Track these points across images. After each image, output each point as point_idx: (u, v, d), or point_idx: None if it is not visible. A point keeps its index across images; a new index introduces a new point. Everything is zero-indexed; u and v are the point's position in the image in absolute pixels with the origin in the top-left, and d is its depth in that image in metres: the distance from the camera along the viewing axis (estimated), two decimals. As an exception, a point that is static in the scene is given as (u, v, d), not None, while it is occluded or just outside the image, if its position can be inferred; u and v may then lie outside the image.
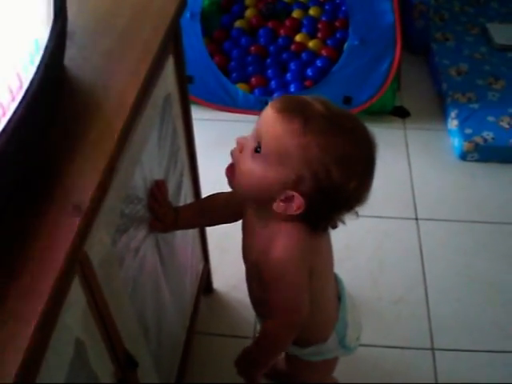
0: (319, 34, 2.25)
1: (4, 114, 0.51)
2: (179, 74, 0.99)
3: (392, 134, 2.06)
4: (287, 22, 2.31)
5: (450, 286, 1.55)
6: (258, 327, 1.26)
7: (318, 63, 2.13)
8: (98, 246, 0.66)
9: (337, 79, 2.02)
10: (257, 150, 0.74)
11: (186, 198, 1.13)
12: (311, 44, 2.21)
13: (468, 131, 1.94)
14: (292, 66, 2.15)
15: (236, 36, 2.26)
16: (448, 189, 1.85)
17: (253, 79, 2.13)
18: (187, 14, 1.95)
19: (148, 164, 0.85)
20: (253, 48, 2.21)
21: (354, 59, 2.00)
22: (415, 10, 2.28)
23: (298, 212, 0.73)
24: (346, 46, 2.03)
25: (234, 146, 0.79)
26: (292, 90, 2.08)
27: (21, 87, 0.54)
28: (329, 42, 2.22)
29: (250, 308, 1.00)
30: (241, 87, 2.09)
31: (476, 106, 2.04)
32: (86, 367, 0.66)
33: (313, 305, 0.83)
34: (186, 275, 1.21)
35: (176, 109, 1.01)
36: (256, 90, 2.10)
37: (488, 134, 1.92)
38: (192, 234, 1.24)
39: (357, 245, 1.65)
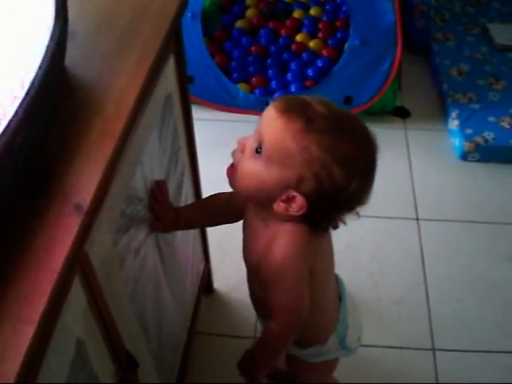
0: (320, 34, 2.25)
1: (5, 114, 0.51)
2: (180, 74, 0.99)
3: (393, 134, 2.06)
4: (288, 22, 2.31)
5: (451, 286, 1.55)
6: (259, 327, 1.26)
7: (319, 63, 2.13)
8: (98, 246, 0.66)
9: (337, 79, 2.02)
10: (258, 150, 0.74)
11: (186, 198, 1.13)
12: (312, 44, 2.21)
13: (469, 131, 1.94)
14: (293, 66, 2.15)
15: (237, 36, 2.26)
16: (449, 189, 1.85)
17: (253, 79, 2.13)
18: (188, 14, 1.96)
19: (149, 164, 0.85)
20: (253, 48, 2.21)
21: (354, 59, 2.00)
22: (416, 10, 2.28)
23: (299, 212, 0.73)
24: (346, 46, 2.03)
25: (234, 146, 0.79)
26: (293, 90, 2.08)
27: (22, 87, 0.54)
28: (329, 41, 2.22)
29: (250, 308, 1.00)
30: (241, 87, 2.09)
31: (477, 106, 2.04)
32: (87, 367, 0.66)
33: (313, 305, 0.83)
34: (186, 275, 1.21)
35: (177, 109, 1.01)
36: (257, 90, 2.10)
37: (489, 135, 1.92)
38: (193, 234, 1.24)
39: (357, 245, 1.65)
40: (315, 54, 2.18)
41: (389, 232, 1.70)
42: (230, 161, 0.80)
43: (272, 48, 2.22)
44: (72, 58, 0.76)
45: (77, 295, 0.61)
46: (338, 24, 2.28)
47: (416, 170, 1.92)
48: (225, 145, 0.91)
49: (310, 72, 2.12)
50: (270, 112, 0.73)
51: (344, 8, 2.31)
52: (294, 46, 2.22)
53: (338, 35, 2.22)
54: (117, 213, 0.73)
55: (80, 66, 0.77)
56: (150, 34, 0.82)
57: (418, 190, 1.84)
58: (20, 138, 0.53)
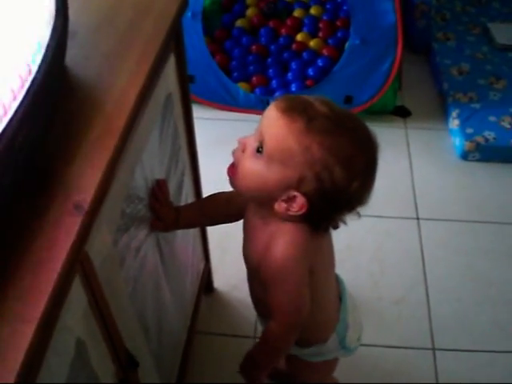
0: (320, 34, 2.25)
1: (5, 113, 0.51)
2: (180, 73, 0.99)
3: (393, 134, 2.06)
4: (288, 22, 2.30)
5: (451, 286, 1.55)
6: (259, 327, 1.26)
7: (319, 62, 2.13)
8: (98, 245, 0.66)
9: (338, 79, 2.02)
10: (259, 149, 0.74)
11: (187, 197, 1.13)
12: (312, 43, 2.21)
13: (469, 131, 1.94)
14: (293, 65, 2.15)
15: (237, 35, 2.26)
16: (449, 188, 1.85)
17: (254, 78, 2.13)
18: (188, 14, 1.95)
19: (149, 163, 0.85)
20: (254, 47, 2.21)
21: (355, 59, 2.00)
22: (417, 10, 2.28)
23: (300, 212, 0.73)
24: (347, 45, 2.03)
25: (235, 145, 0.79)
26: (293, 89, 2.08)
27: (22, 86, 0.54)
28: (330, 41, 2.22)
29: (250, 307, 1.00)
30: (242, 86, 2.09)
31: (477, 105, 2.04)
32: (87, 367, 0.66)
33: (313, 305, 0.83)
34: (186, 275, 1.21)
35: (177, 108, 1.01)
36: (257, 90, 2.10)
37: (489, 134, 1.92)
38: (193, 233, 1.24)
39: (357, 245, 1.64)
40: (316, 54, 2.18)
41: (389, 231, 1.70)
42: (231, 160, 0.80)
43: (272, 47, 2.22)
44: (72, 58, 0.75)
45: (77, 295, 0.61)
46: (338, 23, 2.28)
47: (416, 169, 1.92)
48: (225, 144, 0.91)
49: (310, 71, 2.12)
50: (272, 111, 0.73)
51: (344, 7, 2.31)
52: (294, 46, 2.22)
53: (339, 34, 2.22)
54: (117, 212, 0.73)
55: (80, 65, 0.77)
56: (151, 34, 0.82)
57: (418, 190, 1.84)
58: (20, 138, 0.53)
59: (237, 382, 1.04)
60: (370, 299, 1.51)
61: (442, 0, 2.60)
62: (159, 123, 0.89)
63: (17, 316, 0.49)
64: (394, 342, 1.42)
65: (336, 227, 0.82)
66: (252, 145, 0.75)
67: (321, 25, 2.28)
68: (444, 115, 2.12)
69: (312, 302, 0.82)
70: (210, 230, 1.37)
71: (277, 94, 2.08)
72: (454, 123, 2.01)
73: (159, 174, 0.92)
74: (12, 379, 0.44)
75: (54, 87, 0.67)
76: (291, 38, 2.24)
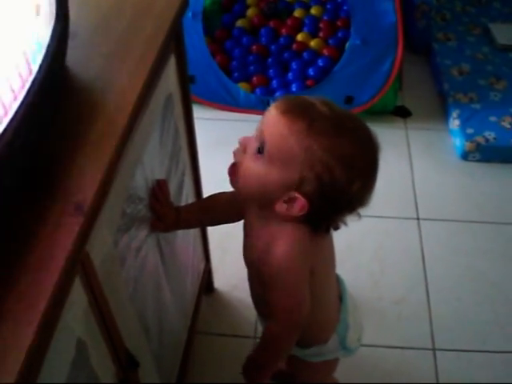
0: (321, 34, 2.25)
1: (6, 113, 0.51)
2: (181, 73, 0.99)
3: (393, 134, 2.06)
4: (289, 22, 2.30)
5: (451, 286, 1.55)
6: (259, 327, 1.26)
7: (320, 63, 2.13)
8: (99, 245, 0.66)
9: (338, 79, 2.02)
10: (260, 150, 0.74)
11: (187, 197, 1.13)
12: (313, 43, 2.21)
13: (470, 131, 1.94)
14: (293, 65, 2.15)
15: (237, 35, 2.26)
16: (449, 189, 1.85)
17: (254, 79, 2.13)
18: (189, 14, 1.96)
19: (149, 164, 0.85)
20: (254, 47, 2.21)
21: (355, 59, 2.00)
22: (417, 10, 2.28)
23: (301, 213, 0.73)
24: (347, 45, 2.03)
25: (235, 145, 0.79)
26: (293, 89, 2.08)
27: (23, 87, 0.54)
28: (330, 41, 2.22)
29: (251, 308, 1.00)
30: (242, 87, 2.09)
31: (478, 106, 2.04)
32: (88, 367, 0.66)
33: (314, 305, 0.83)
34: (187, 275, 1.21)
35: (178, 108, 1.01)
36: (257, 90, 2.10)
37: (490, 134, 1.92)
38: (193, 233, 1.25)
39: (358, 245, 1.64)
40: (316, 54, 2.17)
41: (389, 231, 1.70)
42: (232, 160, 0.80)
43: (273, 47, 2.22)
44: (73, 58, 0.75)
45: (78, 295, 0.61)
46: (338, 23, 2.28)
47: (417, 169, 1.92)
48: (226, 144, 0.91)
49: (310, 71, 2.12)
50: (272, 112, 0.73)
51: (345, 7, 2.31)
52: (294, 46, 2.22)
53: (339, 35, 2.22)
54: (118, 213, 0.73)
55: (81, 65, 0.77)
56: (151, 34, 0.82)
57: (418, 190, 1.84)
58: (21, 138, 0.53)
59: (237, 383, 1.04)
60: (371, 299, 1.51)
61: (443, 0, 2.60)
62: (160, 123, 0.89)
63: (17, 316, 0.49)
64: (395, 342, 1.42)
65: (337, 228, 0.82)
66: (253, 145, 0.75)
67: (321, 25, 2.28)
68: (444, 115, 2.12)
69: (312, 302, 0.82)
70: (210, 230, 1.37)
71: (277, 94, 2.08)
72: (455, 123, 2.01)
73: (160, 175, 0.92)
74: (13, 379, 0.44)
75: (55, 87, 0.67)
76: (291, 38, 2.24)
